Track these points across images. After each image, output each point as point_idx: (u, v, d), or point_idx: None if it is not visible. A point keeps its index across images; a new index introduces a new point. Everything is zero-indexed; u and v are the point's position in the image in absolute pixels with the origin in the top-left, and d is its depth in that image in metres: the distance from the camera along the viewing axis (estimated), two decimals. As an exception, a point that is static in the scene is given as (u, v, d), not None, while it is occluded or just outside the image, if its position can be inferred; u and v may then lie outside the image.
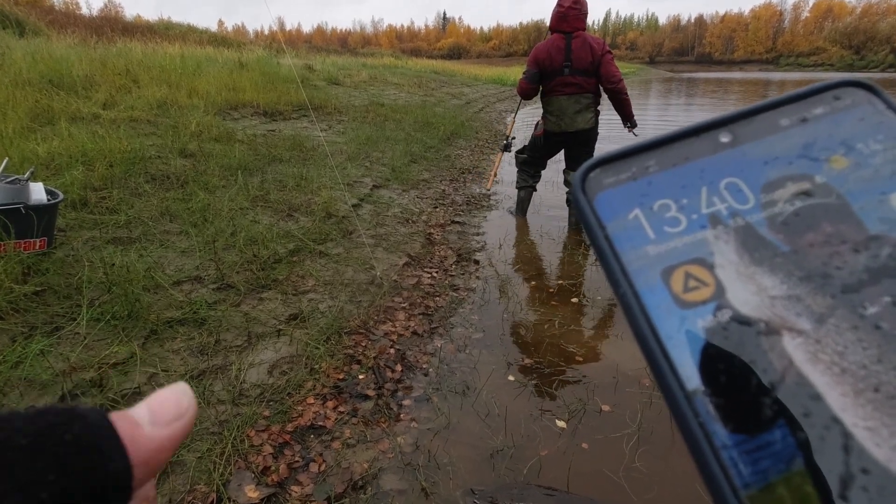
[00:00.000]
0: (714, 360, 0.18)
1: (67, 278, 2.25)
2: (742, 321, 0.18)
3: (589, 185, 0.22)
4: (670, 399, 0.18)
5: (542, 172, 4.26)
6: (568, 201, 3.98)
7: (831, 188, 0.20)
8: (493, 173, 4.45)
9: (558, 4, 3.60)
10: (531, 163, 4.15)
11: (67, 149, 3.58)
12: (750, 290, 0.18)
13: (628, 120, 3.82)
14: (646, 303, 0.19)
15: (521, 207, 4.32)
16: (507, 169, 4.61)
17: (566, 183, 4.02)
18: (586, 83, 3.62)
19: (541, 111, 3.92)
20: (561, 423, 1.87)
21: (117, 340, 1.96)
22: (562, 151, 4.03)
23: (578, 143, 3.83)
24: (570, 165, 3.99)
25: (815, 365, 0.17)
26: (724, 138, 0.22)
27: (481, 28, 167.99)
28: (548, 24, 3.76)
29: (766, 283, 0.18)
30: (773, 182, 0.20)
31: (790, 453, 0.16)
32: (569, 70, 3.58)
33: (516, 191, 4.35)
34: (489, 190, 4.41)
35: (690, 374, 0.18)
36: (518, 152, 4.25)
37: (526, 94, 3.80)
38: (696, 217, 0.20)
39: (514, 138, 4.43)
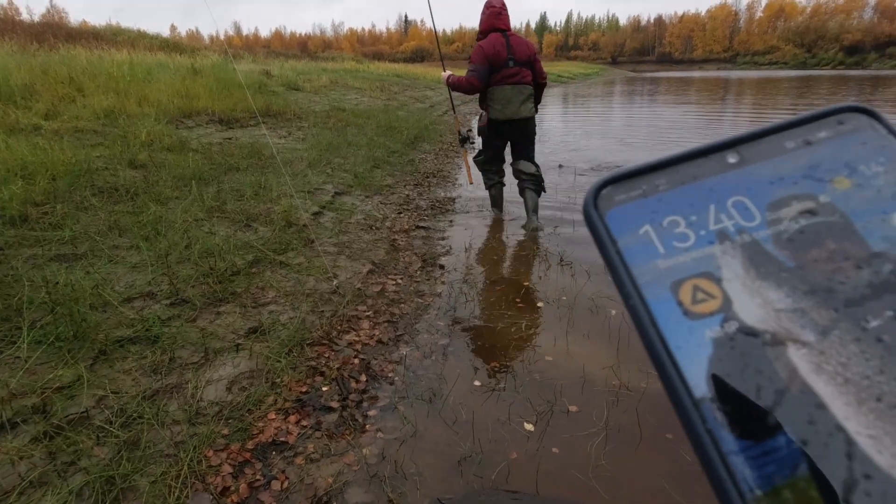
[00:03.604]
0: (721, 369, 0.18)
1: (6, 300, 2.11)
2: (748, 332, 0.19)
3: (601, 201, 0.22)
4: (679, 406, 0.18)
5: (504, 168, 4.39)
6: (521, 191, 4.17)
7: (835, 207, 0.20)
8: (467, 168, 4.70)
9: (489, 5, 3.93)
10: (490, 161, 4.29)
11: (5, 162, 3.38)
12: (756, 303, 0.19)
13: (537, 102, 4.15)
14: (655, 314, 0.20)
15: (496, 203, 4.50)
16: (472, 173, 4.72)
17: (516, 174, 4.17)
18: (527, 75, 3.92)
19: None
20: (529, 426, 1.87)
21: (62, 363, 1.85)
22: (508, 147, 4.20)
23: (523, 134, 4.06)
24: (518, 156, 4.16)
25: (819, 375, 0.17)
26: (732, 159, 0.23)
27: (444, 30, 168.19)
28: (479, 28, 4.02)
29: (772, 296, 0.19)
30: (778, 201, 0.21)
31: (795, 459, 0.17)
32: (513, 62, 3.85)
33: (487, 191, 4.50)
34: (472, 183, 4.76)
35: (698, 382, 0.18)
36: (475, 157, 4.37)
37: (476, 90, 3.97)
38: (704, 233, 0.21)
39: (469, 130, 4.60)
